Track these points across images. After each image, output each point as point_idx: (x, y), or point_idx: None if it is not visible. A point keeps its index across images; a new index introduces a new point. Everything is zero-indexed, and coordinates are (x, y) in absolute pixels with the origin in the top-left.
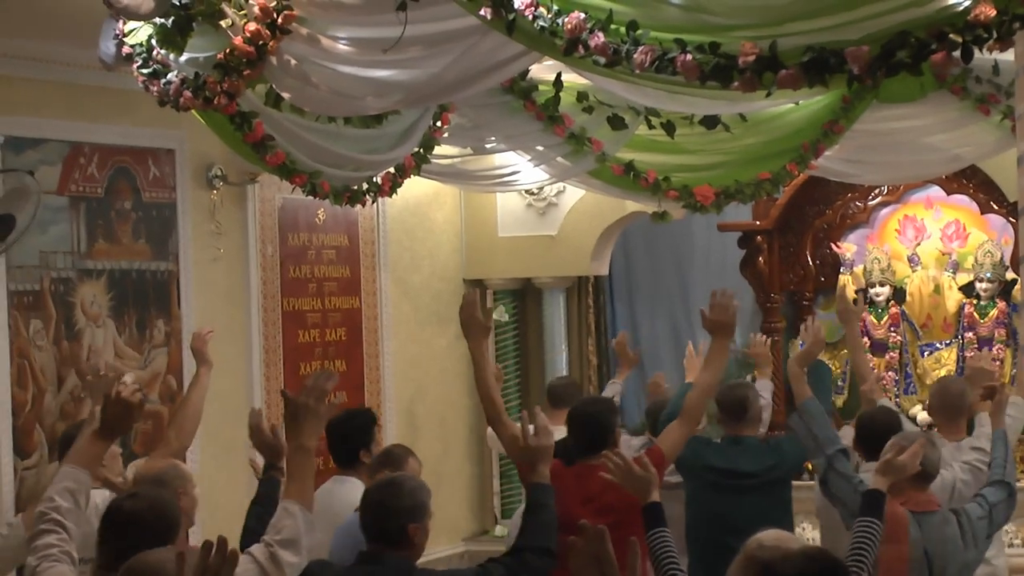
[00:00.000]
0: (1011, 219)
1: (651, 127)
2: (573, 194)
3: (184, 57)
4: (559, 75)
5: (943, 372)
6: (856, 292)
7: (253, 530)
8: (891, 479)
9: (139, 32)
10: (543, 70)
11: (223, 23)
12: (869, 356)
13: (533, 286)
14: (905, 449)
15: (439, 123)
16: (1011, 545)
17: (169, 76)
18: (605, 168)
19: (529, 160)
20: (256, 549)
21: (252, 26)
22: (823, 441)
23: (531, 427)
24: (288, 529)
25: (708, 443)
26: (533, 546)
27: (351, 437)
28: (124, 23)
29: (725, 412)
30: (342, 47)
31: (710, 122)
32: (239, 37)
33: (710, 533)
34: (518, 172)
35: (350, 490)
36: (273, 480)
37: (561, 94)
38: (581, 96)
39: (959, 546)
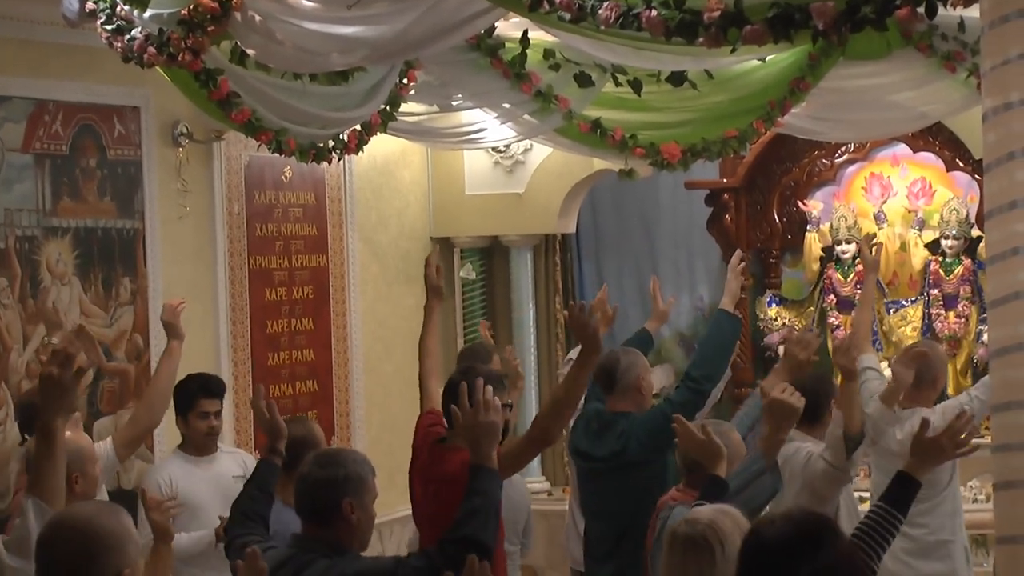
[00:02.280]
0: (976, 176)
1: (618, 84)
2: (540, 152)
3: (148, 13)
4: (526, 32)
5: (909, 329)
6: (822, 250)
7: (243, 514)
8: (934, 462)
9: None
10: (509, 27)
11: None
12: (836, 313)
13: (500, 244)
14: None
15: (405, 80)
16: (975, 500)
17: (133, 32)
18: (572, 126)
19: (496, 118)
20: None
21: None
22: None
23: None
24: (16, 529)
25: (586, 422)
26: (459, 537)
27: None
28: None
29: (595, 380)
30: (307, 3)
31: (677, 79)
32: None
33: (584, 515)
34: (485, 130)
35: (162, 465)
36: (269, 463)
37: (528, 51)
38: (548, 53)
39: None
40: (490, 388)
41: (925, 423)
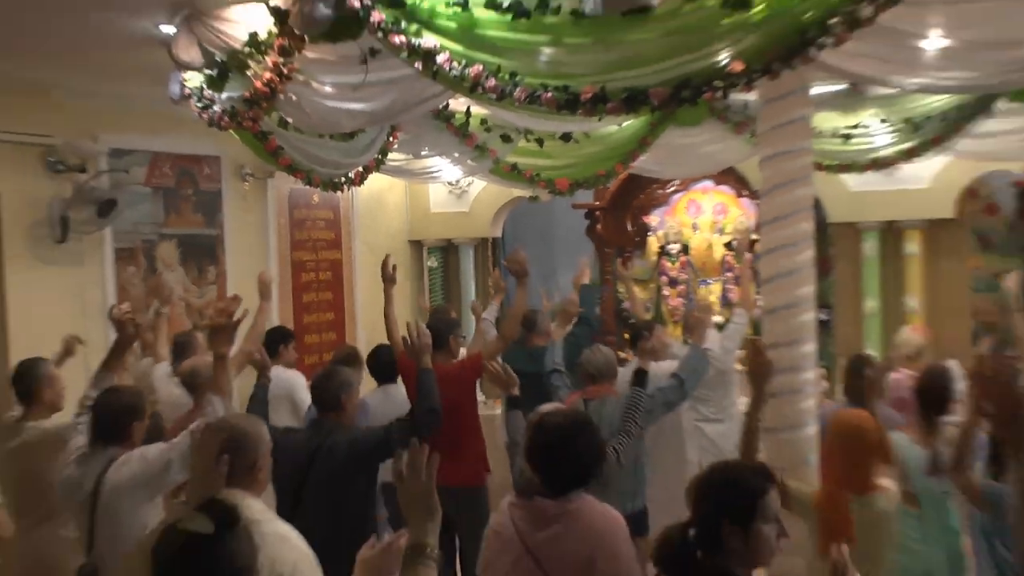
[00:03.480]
0: (756, 201)
1: (528, 141)
2: (478, 185)
3: (224, 95)
4: (469, 107)
5: (713, 297)
6: (659, 248)
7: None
8: (648, 358)
9: (194, 79)
10: (458, 104)
11: (248, 73)
12: (667, 288)
13: (453, 244)
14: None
15: (391, 138)
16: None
17: (214, 107)
18: (499, 168)
19: (450, 162)
20: (194, 425)
21: (267, 75)
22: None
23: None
24: (209, 416)
25: (517, 354)
26: (423, 408)
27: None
28: (184, 73)
29: (523, 325)
30: (326, 88)
31: (566, 137)
32: (259, 82)
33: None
34: (442, 170)
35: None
36: (262, 386)
37: (470, 119)
38: (483, 121)
39: (613, 418)
40: (423, 325)
41: (647, 336)
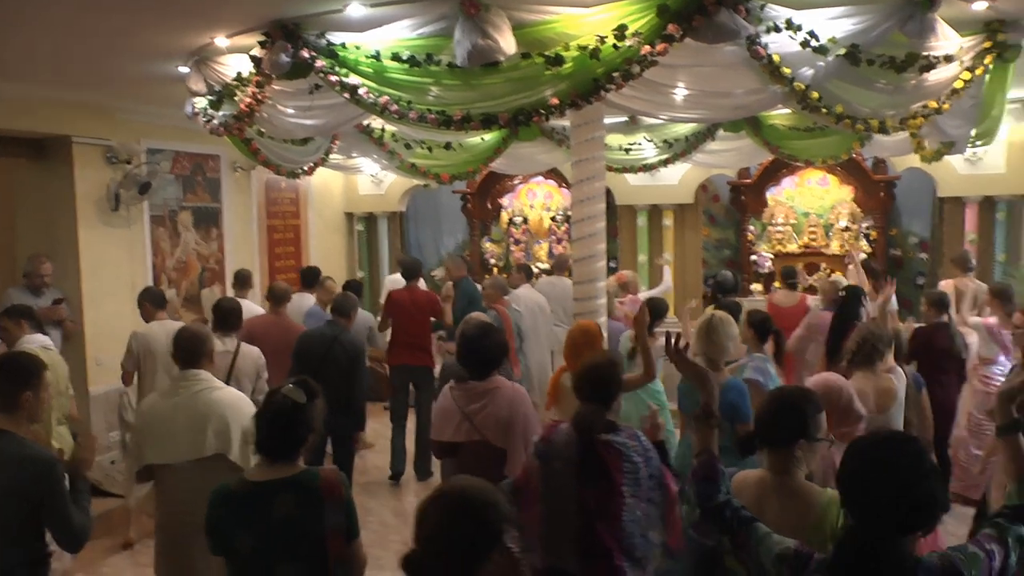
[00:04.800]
0: (570, 189)
1: (423, 148)
2: (391, 176)
3: (220, 113)
4: (384, 126)
5: (543, 253)
6: (508, 220)
7: None
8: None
9: (201, 102)
10: (376, 122)
11: (236, 99)
12: (513, 246)
13: (374, 215)
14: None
15: (332, 144)
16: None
17: (214, 121)
18: (404, 165)
19: (371, 161)
20: None
21: (248, 100)
22: None
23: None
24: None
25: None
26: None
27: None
28: (195, 99)
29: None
30: (288, 110)
31: (447, 146)
32: (243, 104)
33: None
34: (364, 167)
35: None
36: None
37: (384, 133)
38: (393, 134)
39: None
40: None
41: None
